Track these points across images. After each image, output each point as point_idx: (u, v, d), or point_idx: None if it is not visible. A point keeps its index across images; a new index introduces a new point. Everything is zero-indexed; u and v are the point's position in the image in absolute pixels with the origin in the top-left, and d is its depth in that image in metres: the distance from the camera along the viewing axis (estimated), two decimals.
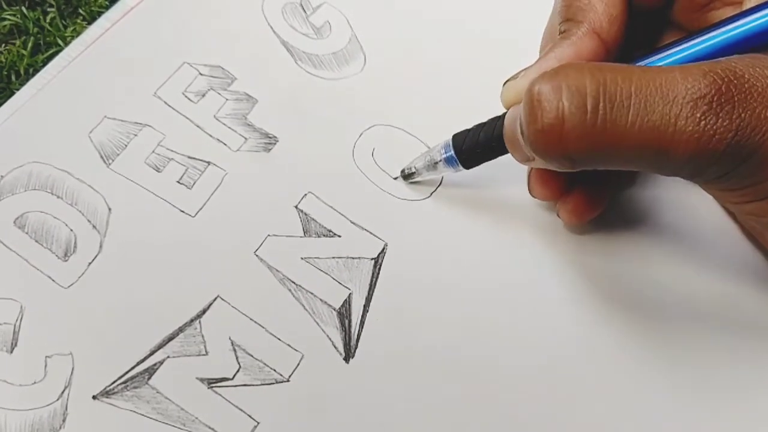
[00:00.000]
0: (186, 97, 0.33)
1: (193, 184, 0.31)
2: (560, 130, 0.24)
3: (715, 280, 0.31)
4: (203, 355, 0.28)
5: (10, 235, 0.29)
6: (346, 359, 0.29)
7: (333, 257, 0.30)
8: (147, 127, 0.32)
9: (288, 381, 0.28)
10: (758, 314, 0.31)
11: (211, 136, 0.33)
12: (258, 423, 0.27)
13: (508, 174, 0.32)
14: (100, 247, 0.30)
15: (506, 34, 0.36)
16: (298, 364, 0.29)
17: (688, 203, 0.33)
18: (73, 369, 0.27)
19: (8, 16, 0.36)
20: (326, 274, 0.30)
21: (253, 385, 0.28)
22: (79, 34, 0.35)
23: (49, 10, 0.37)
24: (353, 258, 0.31)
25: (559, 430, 0.28)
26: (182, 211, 0.31)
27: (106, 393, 0.27)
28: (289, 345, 0.29)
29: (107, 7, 0.36)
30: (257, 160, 0.32)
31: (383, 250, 0.31)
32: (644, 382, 0.29)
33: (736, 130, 0.23)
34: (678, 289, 0.31)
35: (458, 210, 0.32)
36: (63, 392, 0.27)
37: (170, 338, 0.28)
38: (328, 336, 0.29)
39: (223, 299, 0.29)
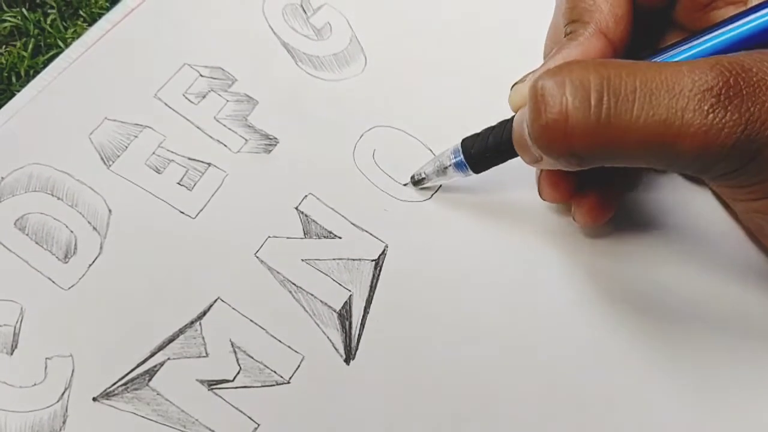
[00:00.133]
0: (186, 98, 0.33)
1: (194, 185, 0.31)
2: (564, 125, 0.24)
3: (719, 282, 0.31)
4: (204, 356, 0.28)
5: (10, 237, 0.29)
6: (347, 361, 0.29)
7: (333, 259, 0.30)
8: (147, 129, 0.32)
9: (288, 383, 0.28)
10: (762, 316, 0.31)
11: (211, 137, 0.32)
12: (258, 425, 0.27)
13: (509, 176, 0.32)
14: (101, 248, 0.30)
15: (507, 34, 0.36)
16: (299, 366, 0.28)
17: (692, 206, 0.32)
18: (73, 371, 0.27)
19: (9, 18, 0.36)
20: (327, 275, 0.30)
21: (253, 386, 0.28)
22: (79, 35, 0.35)
23: (49, 11, 0.37)
24: (354, 259, 0.31)
25: (563, 428, 0.28)
26: (182, 213, 0.31)
27: (107, 395, 0.27)
28: (289, 347, 0.29)
29: (108, 9, 0.36)
30: (258, 162, 0.32)
31: (384, 251, 0.31)
32: (649, 384, 0.29)
33: (746, 124, 0.23)
34: (682, 292, 0.31)
35: (459, 211, 0.32)
36: (63, 394, 0.27)
37: (170, 340, 0.28)
38: (328, 338, 0.29)
39: (223, 301, 0.29)
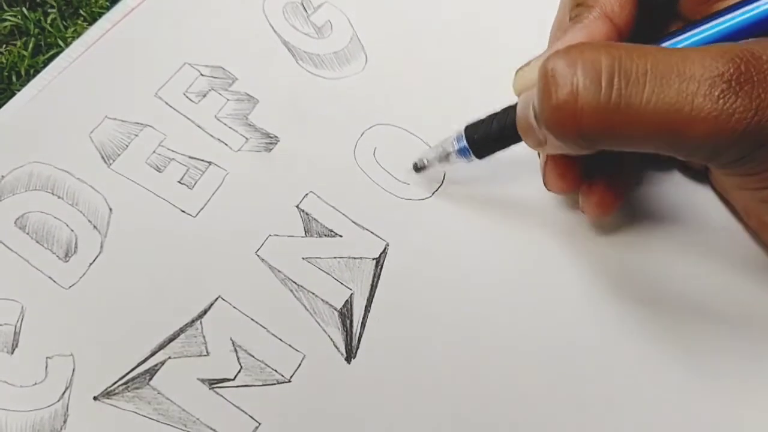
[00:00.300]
0: (187, 97, 0.33)
1: (194, 184, 0.31)
2: (574, 105, 0.23)
3: (727, 280, 0.31)
4: (204, 355, 0.28)
5: (10, 236, 0.29)
6: (348, 359, 0.29)
7: (334, 257, 0.30)
8: (148, 128, 0.32)
9: (289, 381, 0.28)
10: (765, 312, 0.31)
11: (212, 136, 0.32)
12: (259, 424, 0.27)
13: (510, 173, 0.32)
14: (101, 247, 0.30)
15: (507, 33, 0.36)
16: (300, 365, 0.28)
17: (695, 201, 0.32)
18: (74, 370, 0.27)
19: (9, 17, 0.36)
20: (328, 274, 0.30)
21: (254, 385, 0.28)
22: (80, 35, 0.35)
23: (50, 11, 0.37)
24: (355, 258, 0.31)
25: (564, 429, 0.28)
26: (183, 212, 0.31)
27: (107, 394, 0.27)
28: (290, 345, 0.29)
29: (108, 8, 0.36)
30: (258, 160, 0.32)
31: (385, 249, 0.31)
32: (649, 384, 0.29)
33: (756, 110, 0.22)
34: (688, 291, 0.31)
35: (460, 209, 0.32)
36: (64, 393, 0.27)
37: (171, 339, 0.28)
38: (329, 336, 0.29)
39: (224, 299, 0.29)
